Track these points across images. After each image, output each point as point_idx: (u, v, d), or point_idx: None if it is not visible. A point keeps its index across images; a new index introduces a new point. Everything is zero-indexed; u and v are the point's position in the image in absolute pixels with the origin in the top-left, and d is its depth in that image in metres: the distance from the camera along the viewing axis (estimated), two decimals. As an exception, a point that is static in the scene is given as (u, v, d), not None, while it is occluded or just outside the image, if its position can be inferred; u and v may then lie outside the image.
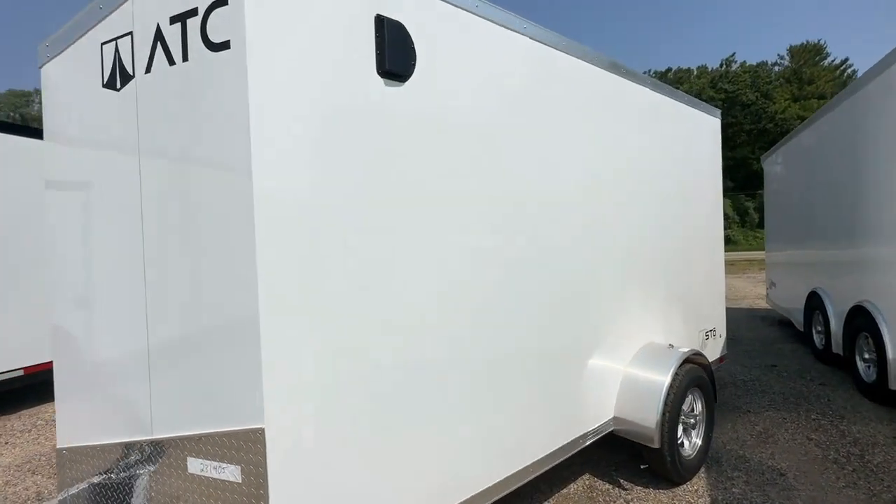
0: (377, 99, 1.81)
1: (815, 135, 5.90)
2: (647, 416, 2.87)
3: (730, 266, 18.80)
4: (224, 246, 1.58)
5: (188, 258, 1.70)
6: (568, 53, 2.64)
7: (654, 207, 3.42)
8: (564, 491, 3.09)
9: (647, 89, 3.36)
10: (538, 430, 2.51)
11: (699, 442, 3.23)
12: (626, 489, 3.05)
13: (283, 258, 1.53)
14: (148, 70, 1.70)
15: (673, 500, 2.91)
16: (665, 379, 2.92)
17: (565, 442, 2.66)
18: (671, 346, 3.22)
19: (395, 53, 1.84)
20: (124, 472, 1.80)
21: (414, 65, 1.93)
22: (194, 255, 1.68)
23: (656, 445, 2.81)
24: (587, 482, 3.17)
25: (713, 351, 4.22)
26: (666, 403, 2.89)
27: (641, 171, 3.31)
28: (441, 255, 2.02)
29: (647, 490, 3.03)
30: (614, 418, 2.99)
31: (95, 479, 1.83)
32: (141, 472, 1.78)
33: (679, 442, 3.10)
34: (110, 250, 1.84)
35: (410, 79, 1.91)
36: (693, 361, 3.26)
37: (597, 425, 2.90)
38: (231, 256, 1.56)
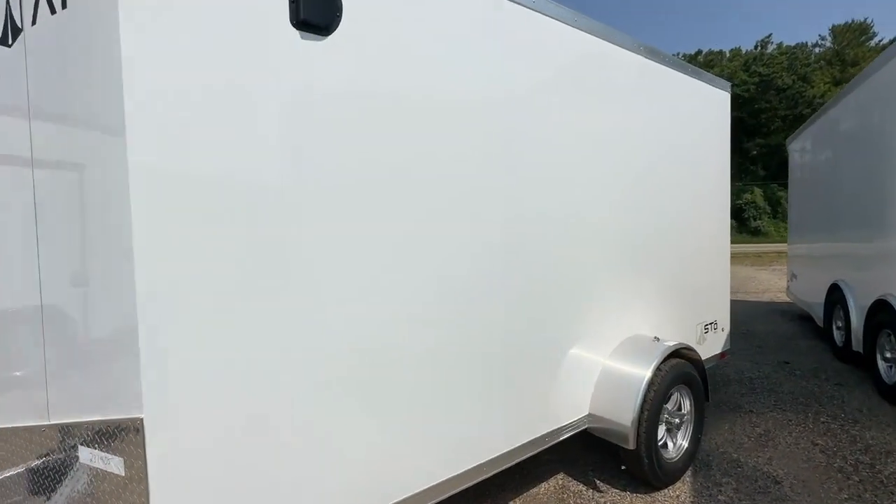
0: (290, 55, 1.60)
1: (842, 113, 5.38)
2: (623, 413, 2.63)
3: (757, 258, 18.01)
4: (104, 225, 1.42)
5: (77, 236, 1.55)
6: (532, 9, 2.36)
7: (643, 189, 3.12)
8: (534, 490, 2.89)
9: (638, 56, 3.04)
10: (493, 426, 2.29)
11: (685, 444, 2.96)
12: (600, 491, 2.83)
13: (165, 241, 1.35)
14: (34, 21, 1.54)
15: None
16: (645, 374, 2.67)
17: (529, 439, 2.45)
18: (656, 338, 2.95)
19: (313, 0, 1.63)
20: (31, 458, 1.70)
21: (339, 17, 1.72)
22: (81, 234, 1.53)
23: (631, 446, 2.57)
24: (560, 482, 2.96)
25: (713, 346, 3.91)
26: (644, 401, 2.64)
27: (629, 149, 3.01)
28: (365, 240, 1.80)
29: (623, 493, 2.80)
30: (589, 415, 2.76)
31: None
32: (44, 458, 1.67)
33: (661, 443, 2.85)
34: (4, 224, 1.72)
35: (334, 33, 1.70)
36: (682, 356, 2.99)
37: (569, 422, 2.67)
38: (110, 236, 1.39)
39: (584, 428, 2.76)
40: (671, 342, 2.89)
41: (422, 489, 1.96)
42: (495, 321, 2.29)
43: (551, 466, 3.13)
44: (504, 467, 2.30)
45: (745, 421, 3.72)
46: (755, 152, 37.82)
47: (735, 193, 35.29)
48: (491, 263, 2.24)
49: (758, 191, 33.64)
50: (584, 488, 2.87)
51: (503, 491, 2.88)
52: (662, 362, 2.79)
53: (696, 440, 3.02)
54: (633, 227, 3.06)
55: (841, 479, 2.87)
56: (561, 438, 2.61)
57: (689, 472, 2.98)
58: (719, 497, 2.73)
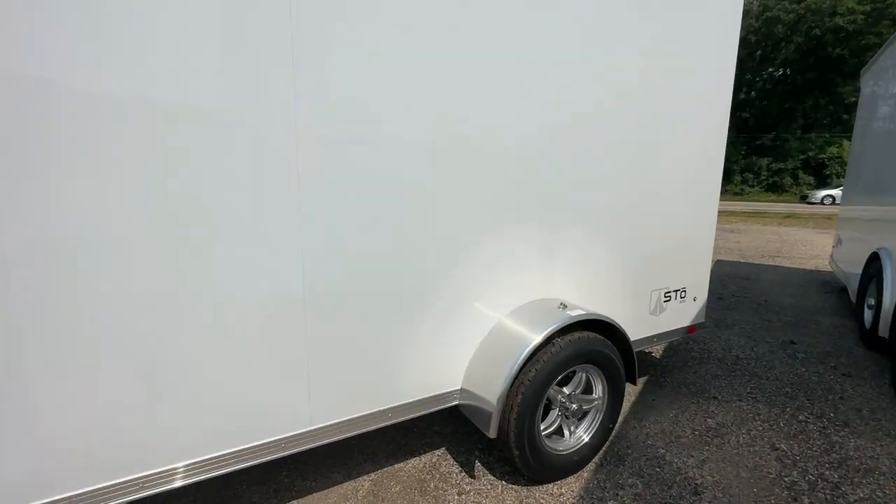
0: None
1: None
2: (490, 393, 2.11)
3: (825, 220, 15.73)
4: None
5: None
6: None
7: (570, 117, 2.35)
8: (400, 465, 2.50)
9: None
10: (296, 396, 1.88)
11: (585, 437, 2.41)
12: (473, 477, 2.39)
13: None
14: None
15: (517, 501, 2.20)
16: (523, 348, 2.10)
17: (358, 414, 2.02)
18: (562, 305, 2.33)
19: None
20: None
21: None
22: None
23: (491, 434, 2.07)
24: (434, 460, 2.55)
25: (677, 317, 3.20)
26: (517, 380, 2.10)
27: (551, 68, 2.24)
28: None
29: (496, 483, 2.35)
30: (461, 390, 2.27)
31: None
32: None
33: (548, 431, 2.33)
34: None
35: None
36: (597, 329, 2.37)
37: (430, 395, 2.20)
38: None
39: (454, 404, 2.29)
40: (576, 311, 2.26)
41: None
42: (297, 272, 1.82)
43: (435, 440, 2.72)
44: (313, 445, 1.90)
45: (699, 409, 3.07)
46: (853, 99, 32.33)
47: (819, 146, 31.11)
48: (338, 204, 1.71)
49: (847, 144, 29.12)
50: (457, 470, 2.45)
51: (368, 461, 2.52)
52: (556, 335, 2.20)
53: (605, 430, 2.46)
54: (554, 165, 2.35)
55: (784, 499, 2.24)
56: (415, 415, 2.16)
57: (592, 465, 2.46)
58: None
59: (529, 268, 2.40)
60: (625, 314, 2.84)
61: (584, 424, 2.44)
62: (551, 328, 2.13)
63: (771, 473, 2.42)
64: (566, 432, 2.38)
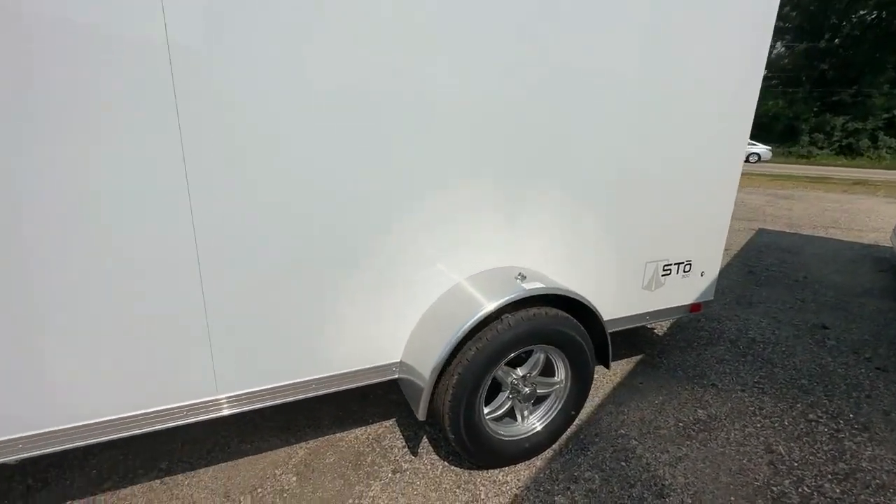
0: None
1: None
2: (420, 372, 1.87)
3: (899, 188, 13.91)
4: None
5: None
6: None
7: (545, 58, 1.92)
8: (341, 434, 2.36)
9: None
10: (222, 363, 1.71)
11: (538, 425, 2.14)
12: (415, 455, 2.21)
13: None
14: None
15: (455, 486, 2.01)
16: (460, 324, 1.82)
17: (287, 383, 1.84)
18: (520, 276, 2.00)
19: None
20: None
21: None
22: None
23: (420, 416, 1.84)
24: (379, 431, 2.38)
25: (679, 293, 2.79)
26: (454, 358, 1.84)
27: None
28: None
29: (437, 464, 2.15)
30: (401, 363, 2.05)
31: None
32: None
33: (494, 414, 2.08)
34: None
35: None
36: (563, 306, 2.04)
37: (371, 366, 1.99)
38: None
39: (393, 378, 2.08)
40: (533, 284, 1.93)
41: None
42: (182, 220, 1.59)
43: (389, 409, 2.55)
44: (220, 415, 1.75)
45: (691, 397, 2.72)
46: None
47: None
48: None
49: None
50: (400, 445, 2.28)
51: (311, 427, 2.39)
52: (508, 310, 1.90)
53: (564, 418, 2.18)
54: (522, 117, 1.95)
55: (766, 513, 1.93)
56: (348, 387, 1.96)
57: (550, 452, 2.22)
58: (556, 499, 1.97)
59: (491, 233, 2.06)
60: (609, 288, 2.48)
61: (542, 410, 2.18)
62: (497, 303, 1.82)
63: (757, 480, 2.09)
64: (518, 417, 2.13)
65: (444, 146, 1.85)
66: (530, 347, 1.99)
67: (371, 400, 2.65)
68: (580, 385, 2.15)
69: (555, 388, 2.16)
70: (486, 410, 2.01)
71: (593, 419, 2.50)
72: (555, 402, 2.17)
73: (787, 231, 7.48)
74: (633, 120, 2.24)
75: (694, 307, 2.92)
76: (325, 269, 1.79)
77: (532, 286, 1.91)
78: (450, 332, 1.81)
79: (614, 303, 2.55)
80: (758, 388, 2.83)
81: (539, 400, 2.20)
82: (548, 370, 2.17)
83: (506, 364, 2.04)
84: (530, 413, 2.16)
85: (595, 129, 2.15)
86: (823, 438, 2.38)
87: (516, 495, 1.98)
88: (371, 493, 1.98)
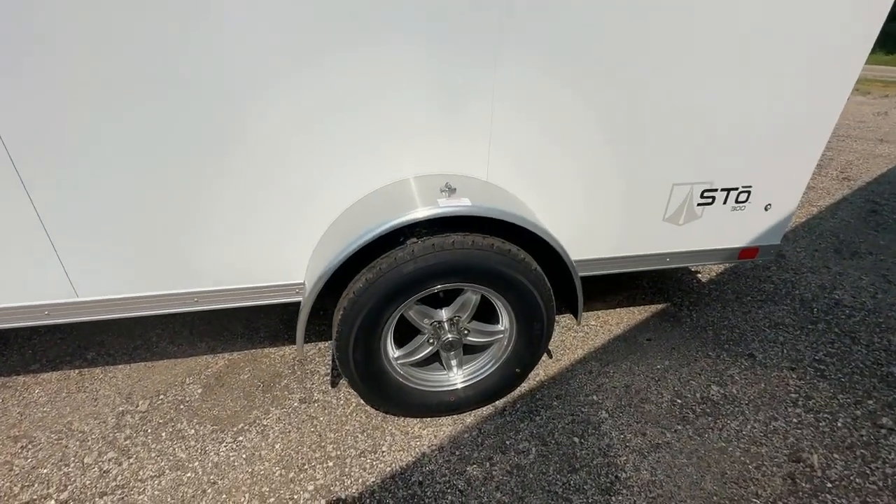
0: None
1: None
2: (302, 300, 1.48)
3: None
4: None
5: None
6: None
7: None
8: (270, 350, 2.13)
9: None
10: (77, 268, 1.47)
11: (462, 377, 1.69)
12: (333, 386, 1.92)
13: None
14: None
15: (360, 429, 1.68)
16: (340, 250, 1.35)
17: (159, 293, 1.57)
18: (447, 188, 1.42)
19: None
20: None
21: None
22: None
23: (298, 352, 1.49)
24: (310, 353, 2.10)
25: (726, 232, 2.00)
26: (347, 288, 1.41)
27: None
28: None
29: (353, 400, 1.84)
30: (303, 285, 1.67)
31: None
32: None
33: (411, 358, 1.66)
34: None
35: None
36: (506, 234, 1.46)
37: (274, 284, 1.65)
38: None
39: (296, 300, 1.72)
40: (450, 204, 1.35)
41: None
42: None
43: (318, 330, 2.26)
44: (86, 318, 1.55)
45: (712, 368, 2.06)
46: None
47: None
48: None
49: None
50: (322, 372, 1.99)
51: (243, 338, 2.20)
52: (412, 233, 1.38)
53: (505, 376, 1.71)
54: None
55: (752, 545, 1.38)
56: (240, 304, 1.66)
57: (490, 409, 1.81)
58: (469, 469, 1.59)
59: (426, 129, 1.47)
60: (604, 216, 1.81)
61: (479, 362, 1.73)
62: (385, 225, 1.31)
63: (757, 498, 1.52)
64: (445, 366, 1.71)
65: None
66: (456, 285, 1.49)
67: (323, 316, 2.38)
68: (527, 338, 1.64)
69: (496, 338, 1.68)
70: (395, 353, 1.61)
71: (563, 376, 2.00)
72: (496, 354, 1.70)
73: (957, 161, 5.53)
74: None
75: (746, 252, 2.12)
76: (188, 170, 1.39)
77: (445, 207, 1.34)
78: (331, 257, 1.36)
79: (613, 236, 1.88)
80: (815, 370, 2.08)
81: (482, 348, 1.75)
82: (491, 315, 1.68)
83: (425, 301, 1.58)
84: (462, 364, 1.72)
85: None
86: (884, 453, 1.67)
87: (423, 455, 1.64)
88: (266, 421, 1.77)
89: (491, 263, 1.42)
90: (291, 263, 1.65)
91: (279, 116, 1.37)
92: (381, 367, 1.57)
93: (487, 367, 1.70)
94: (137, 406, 1.84)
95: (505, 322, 1.64)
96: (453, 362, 1.70)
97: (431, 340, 1.63)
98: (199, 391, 1.91)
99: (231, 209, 1.50)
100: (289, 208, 1.52)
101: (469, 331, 1.65)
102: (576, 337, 2.26)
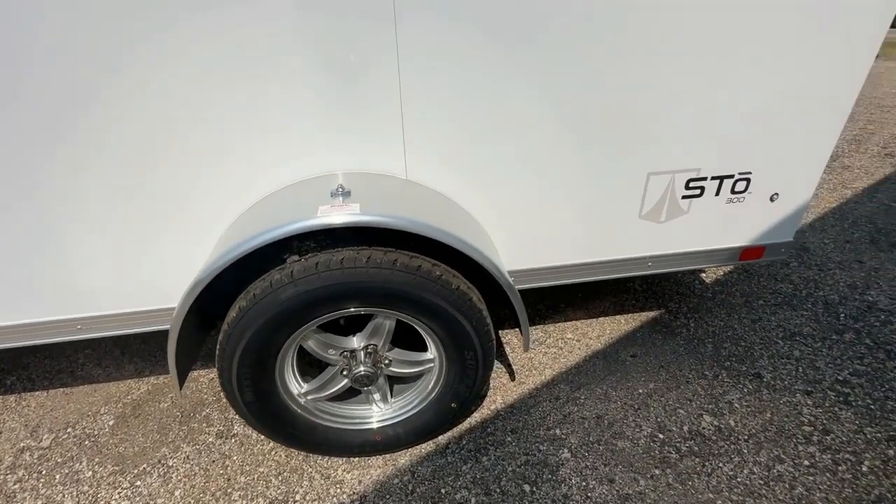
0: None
1: None
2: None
3: None
4: None
5: None
6: None
7: None
8: (198, 374, 1.91)
9: None
10: None
11: (394, 415, 1.41)
12: (242, 423, 1.69)
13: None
14: None
15: (276, 471, 1.43)
16: (199, 278, 1.09)
17: (36, 321, 1.38)
18: (340, 190, 1.14)
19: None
20: None
21: None
22: None
23: (177, 391, 1.25)
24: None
25: (717, 228, 1.64)
26: (217, 319, 1.17)
27: None
28: None
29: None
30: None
31: None
32: None
33: (322, 393, 1.39)
34: None
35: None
36: (422, 248, 1.17)
37: (147, 310, 1.42)
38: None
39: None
40: (334, 215, 1.06)
41: None
42: None
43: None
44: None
45: (706, 393, 1.70)
46: None
47: None
48: None
49: None
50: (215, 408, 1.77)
51: (158, 361, 2.00)
52: (295, 249, 1.11)
53: (437, 412, 1.42)
54: None
55: None
56: (126, 332, 1.44)
57: (431, 446, 1.53)
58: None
59: (325, 118, 1.19)
60: (557, 215, 1.48)
61: (408, 396, 1.45)
62: (246, 245, 1.04)
63: (747, 572, 1.20)
64: (367, 401, 1.44)
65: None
66: (357, 310, 1.21)
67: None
68: (459, 368, 1.34)
69: (424, 367, 1.40)
70: (301, 389, 1.36)
71: (524, 404, 1.70)
72: (427, 387, 1.42)
73: None
74: None
75: (749, 252, 1.75)
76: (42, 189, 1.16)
77: (323, 218, 1.06)
78: (191, 285, 1.11)
79: (578, 238, 1.55)
80: (837, 393, 1.71)
81: (413, 379, 1.47)
82: (417, 341, 1.39)
83: (333, 327, 1.32)
84: (388, 397, 1.45)
85: None
86: (878, 474, 1.31)
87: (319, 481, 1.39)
88: (172, 461, 1.55)
89: (394, 285, 1.13)
90: (175, 286, 1.41)
91: (142, 116, 1.12)
92: (281, 404, 1.32)
93: (418, 401, 1.42)
94: (41, 441, 1.66)
95: (433, 350, 1.36)
96: (376, 396, 1.43)
97: (344, 373, 1.37)
98: (111, 423, 1.71)
99: (99, 225, 1.27)
100: (163, 222, 1.28)
101: (390, 360, 1.37)
102: (546, 354, 1.94)
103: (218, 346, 1.18)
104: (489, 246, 1.38)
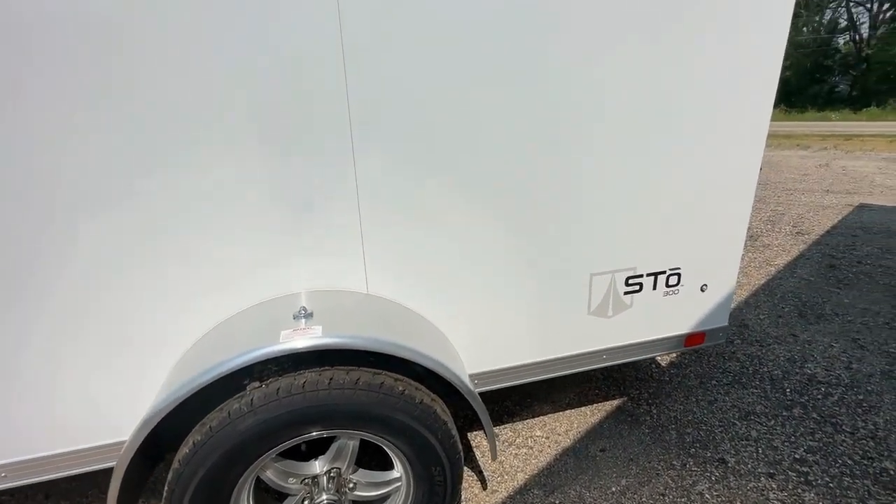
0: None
1: None
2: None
3: None
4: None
5: None
6: None
7: None
8: (138, 515, 1.72)
9: None
10: None
11: None
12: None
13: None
14: None
15: None
16: (152, 413, 1.06)
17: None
18: (302, 313, 1.18)
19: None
20: None
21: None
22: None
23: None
24: None
25: (659, 319, 1.77)
26: (160, 457, 1.10)
27: None
28: None
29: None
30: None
31: None
32: None
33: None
34: None
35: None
36: (386, 364, 1.20)
37: (92, 446, 1.32)
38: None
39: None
40: (295, 340, 1.09)
41: None
42: None
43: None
44: None
45: (677, 484, 1.70)
46: None
47: None
48: None
49: None
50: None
51: (101, 500, 1.79)
52: (256, 375, 1.11)
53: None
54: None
55: None
56: (45, 477, 1.31)
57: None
58: None
59: (289, 240, 1.27)
60: (510, 318, 1.57)
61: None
62: (190, 386, 1.03)
63: None
64: (329, 529, 1.35)
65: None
66: (320, 434, 1.18)
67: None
68: (428, 486, 1.30)
69: (392, 487, 1.34)
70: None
71: (499, 516, 1.63)
72: (394, 508, 1.36)
73: (903, 206, 5.63)
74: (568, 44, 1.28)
75: (692, 338, 1.88)
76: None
77: (281, 345, 1.08)
78: (143, 422, 1.07)
79: (533, 337, 1.63)
80: (798, 473, 1.75)
81: (382, 501, 1.39)
82: (384, 462, 1.35)
83: (292, 453, 1.27)
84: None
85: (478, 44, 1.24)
86: None
87: None
88: None
89: (357, 405, 1.13)
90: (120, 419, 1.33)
91: (90, 243, 1.15)
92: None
93: (384, 527, 1.34)
94: None
95: (399, 468, 1.31)
96: (339, 525, 1.34)
97: (306, 502, 1.28)
98: (26, 590, 1.47)
99: (37, 357, 1.21)
100: (109, 352, 1.24)
101: (355, 483, 1.31)
102: (517, 456, 1.90)
103: (166, 488, 1.09)
104: (449, 352, 1.42)
